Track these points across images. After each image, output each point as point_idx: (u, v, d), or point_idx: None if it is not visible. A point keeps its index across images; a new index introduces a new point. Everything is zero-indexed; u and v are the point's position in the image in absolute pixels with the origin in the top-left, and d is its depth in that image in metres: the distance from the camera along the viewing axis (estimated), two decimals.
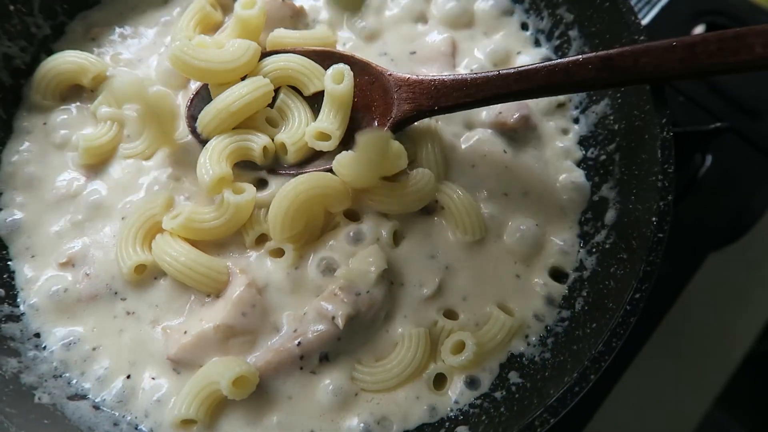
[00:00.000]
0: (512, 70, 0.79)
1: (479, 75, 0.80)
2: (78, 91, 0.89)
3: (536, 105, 0.92)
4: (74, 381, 0.76)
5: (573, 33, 0.93)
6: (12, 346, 0.75)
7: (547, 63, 0.77)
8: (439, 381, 0.77)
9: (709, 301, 1.18)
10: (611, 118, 0.87)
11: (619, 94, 0.86)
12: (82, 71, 0.87)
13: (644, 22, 1.19)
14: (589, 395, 0.65)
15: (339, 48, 0.93)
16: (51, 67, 0.88)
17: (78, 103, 0.89)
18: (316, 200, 0.76)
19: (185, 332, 0.76)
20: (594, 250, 0.82)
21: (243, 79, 0.83)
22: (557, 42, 0.96)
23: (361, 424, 0.73)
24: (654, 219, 0.72)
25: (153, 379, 0.75)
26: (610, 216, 0.83)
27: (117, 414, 0.74)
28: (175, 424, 0.72)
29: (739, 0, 1.22)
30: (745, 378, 1.18)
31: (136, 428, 0.73)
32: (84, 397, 0.75)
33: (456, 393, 0.76)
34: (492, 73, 0.79)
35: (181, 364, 0.75)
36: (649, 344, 1.03)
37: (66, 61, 0.88)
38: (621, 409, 1.03)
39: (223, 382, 0.70)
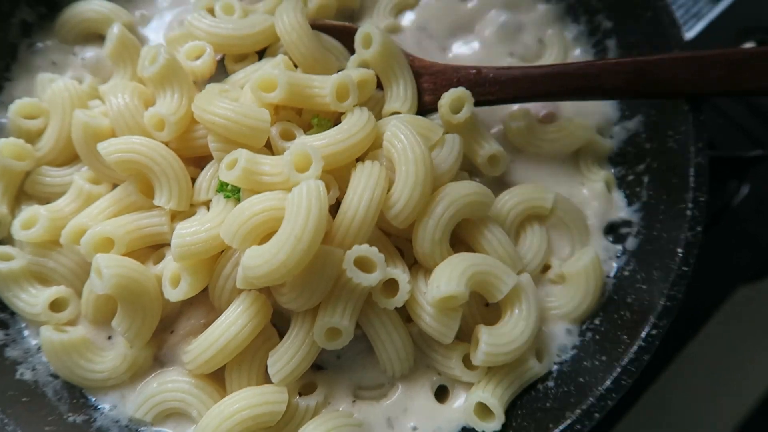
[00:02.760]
0: (539, 70, 0.74)
1: (503, 72, 0.75)
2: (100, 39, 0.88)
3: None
4: None
5: (611, 42, 0.87)
6: (1, 317, 0.74)
7: (577, 64, 0.72)
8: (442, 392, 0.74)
9: (732, 337, 1.12)
10: (643, 136, 0.81)
11: (653, 111, 0.80)
12: (105, 21, 0.87)
13: (688, 35, 1.12)
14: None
15: None
16: (75, 13, 0.88)
17: (98, 50, 0.88)
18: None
19: (171, 332, 0.76)
20: (611, 276, 0.77)
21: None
22: (593, 51, 0.90)
23: None
24: (679, 251, 0.67)
25: None
26: (632, 242, 0.78)
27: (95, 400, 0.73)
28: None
29: None
30: (758, 423, 1.11)
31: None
32: None
33: None
34: (517, 71, 0.75)
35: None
36: (662, 377, 0.98)
37: (91, 9, 0.88)
38: None
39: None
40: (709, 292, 1.02)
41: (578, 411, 0.61)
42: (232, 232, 0.65)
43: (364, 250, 0.65)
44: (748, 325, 1.14)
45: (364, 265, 0.66)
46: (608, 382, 0.62)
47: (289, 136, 0.74)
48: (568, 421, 0.61)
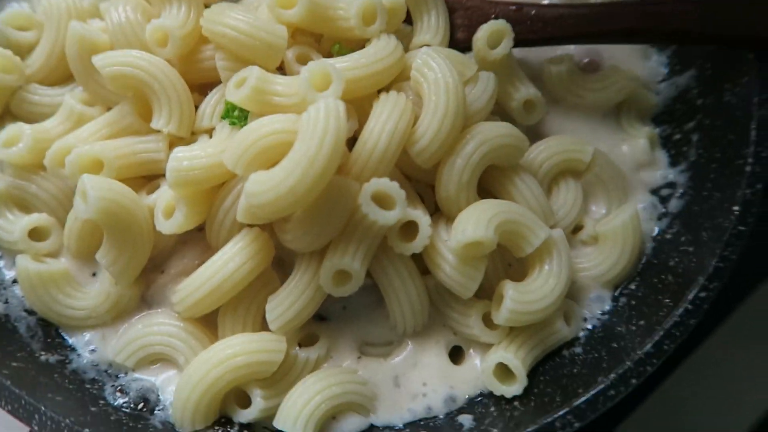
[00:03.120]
0: (587, 8, 0.67)
1: (547, 9, 0.68)
2: None
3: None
4: None
5: None
6: None
7: (632, 1, 0.65)
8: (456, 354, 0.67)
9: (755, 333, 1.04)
10: (695, 91, 0.75)
11: (708, 64, 0.73)
12: None
13: None
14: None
15: None
16: None
17: None
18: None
19: (162, 271, 0.69)
20: (650, 239, 0.71)
21: None
22: None
23: None
24: (736, 208, 0.60)
25: None
26: (675, 203, 0.71)
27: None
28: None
29: None
30: None
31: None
32: None
33: None
34: (563, 9, 0.68)
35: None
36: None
37: None
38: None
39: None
40: (736, 282, 0.95)
41: (613, 375, 0.55)
42: (236, 156, 0.58)
43: (384, 184, 0.58)
44: None
45: (381, 202, 0.58)
46: (648, 346, 0.56)
47: (305, 61, 0.67)
48: (601, 386, 0.55)
